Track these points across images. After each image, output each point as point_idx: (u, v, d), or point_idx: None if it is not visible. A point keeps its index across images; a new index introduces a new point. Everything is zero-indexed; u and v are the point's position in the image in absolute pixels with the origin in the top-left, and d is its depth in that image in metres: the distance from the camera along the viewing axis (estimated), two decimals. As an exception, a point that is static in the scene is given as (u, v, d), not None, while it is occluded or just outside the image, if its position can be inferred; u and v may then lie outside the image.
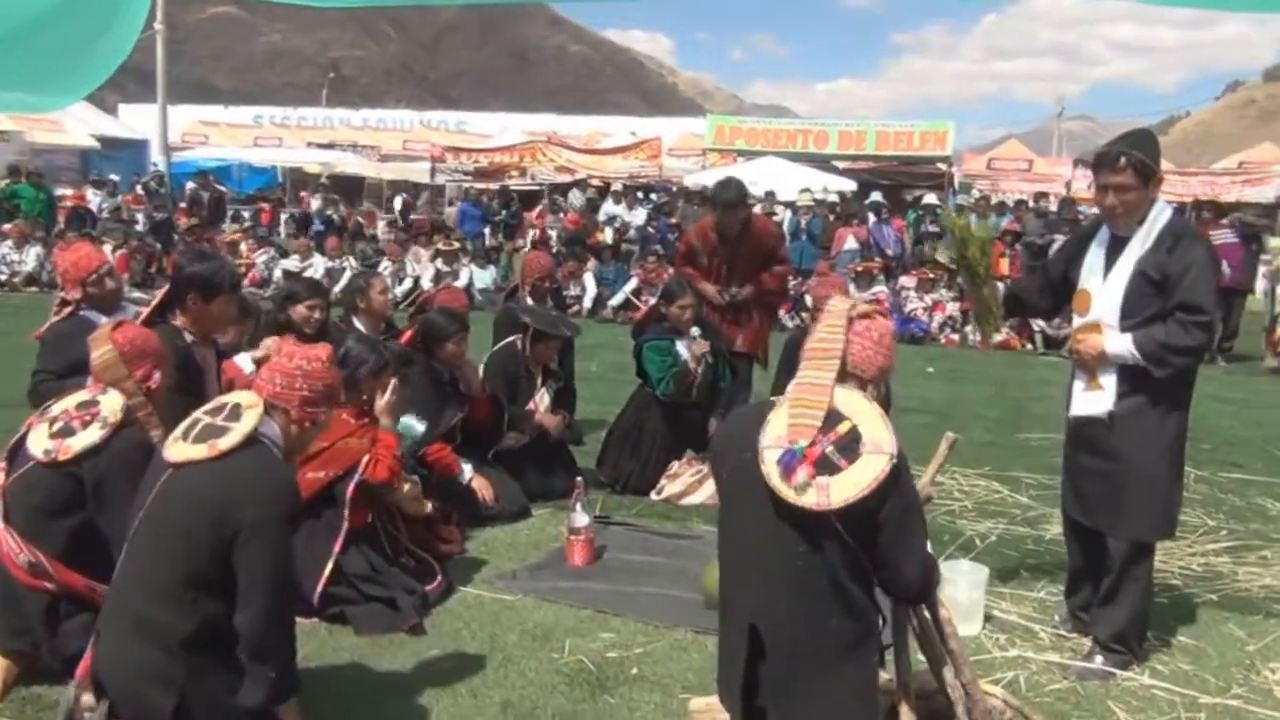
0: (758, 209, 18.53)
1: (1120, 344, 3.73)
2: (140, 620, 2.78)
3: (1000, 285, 4.21)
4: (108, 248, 15.33)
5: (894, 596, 2.81)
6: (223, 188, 23.19)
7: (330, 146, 34.12)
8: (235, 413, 2.92)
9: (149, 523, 2.84)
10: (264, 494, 2.82)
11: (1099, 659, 3.88)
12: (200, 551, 2.76)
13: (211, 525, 2.75)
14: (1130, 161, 3.68)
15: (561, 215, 20.30)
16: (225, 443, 2.84)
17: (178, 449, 2.88)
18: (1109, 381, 3.81)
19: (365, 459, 4.18)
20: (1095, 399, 3.85)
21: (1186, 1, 5.70)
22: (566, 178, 24.26)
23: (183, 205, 20.27)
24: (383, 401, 4.36)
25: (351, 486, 4.13)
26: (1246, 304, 12.89)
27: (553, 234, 18.93)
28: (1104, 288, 3.82)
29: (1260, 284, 13.74)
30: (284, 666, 2.89)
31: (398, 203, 26.38)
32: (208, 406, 3.01)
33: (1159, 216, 3.74)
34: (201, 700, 2.78)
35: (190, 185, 21.18)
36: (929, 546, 2.76)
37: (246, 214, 23.16)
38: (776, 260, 6.80)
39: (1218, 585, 4.75)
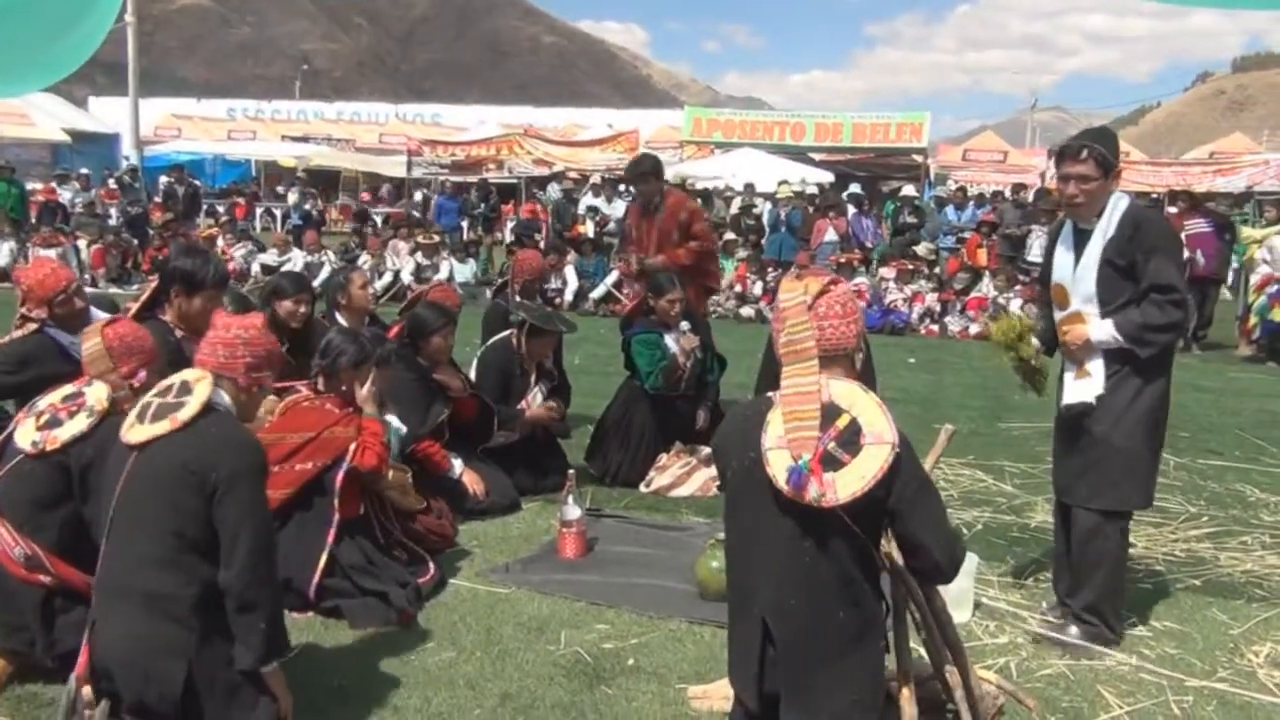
0: (738, 201, 18.73)
1: (1103, 330, 3.86)
2: (146, 596, 2.84)
3: (1035, 340, 4.22)
4: (82, 243, 15.22)
5: (925, 578, 2.84)
6: (197, 182, 22.97)
7: (305, 140, 33.92)
8: (185, 388, 3.01)
9: (125, 507, 2.91)
10: (232, 451, 2.92)
11: (1073, 630, 3.99)
12: (185, 517, 2.86)
13: (190, 489, 2.86)
14: (1092, 154, 3.83)
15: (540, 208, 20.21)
16: (184, 414, 2.93)
17: (137, 431, 2.96)
18: (1097, 368, 3.91)
19: (352, 447, 4.17)
20: (1085, 386, 3.94)
21: None
22: (544, 170, 24.20)
23: (157, 200, 20.07)
24: (364, 390, 4.35)
25: (340, 475, 4.12)
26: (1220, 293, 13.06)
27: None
28: (1075, 279, 3.95)
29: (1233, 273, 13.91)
30: (272, 620, 2.95)
31: (417, 195, 25.67)
32: (155, 390, 3.09)
33: (1117, 205, 3.86)
34: (206, 671, 2.84)
35: (165, 179, 20.95)
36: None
37: (221, 208, 22.97)
38: (691, 235, 6.99)
39: (1201, 570, 4.83)
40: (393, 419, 4.79)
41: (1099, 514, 3.97)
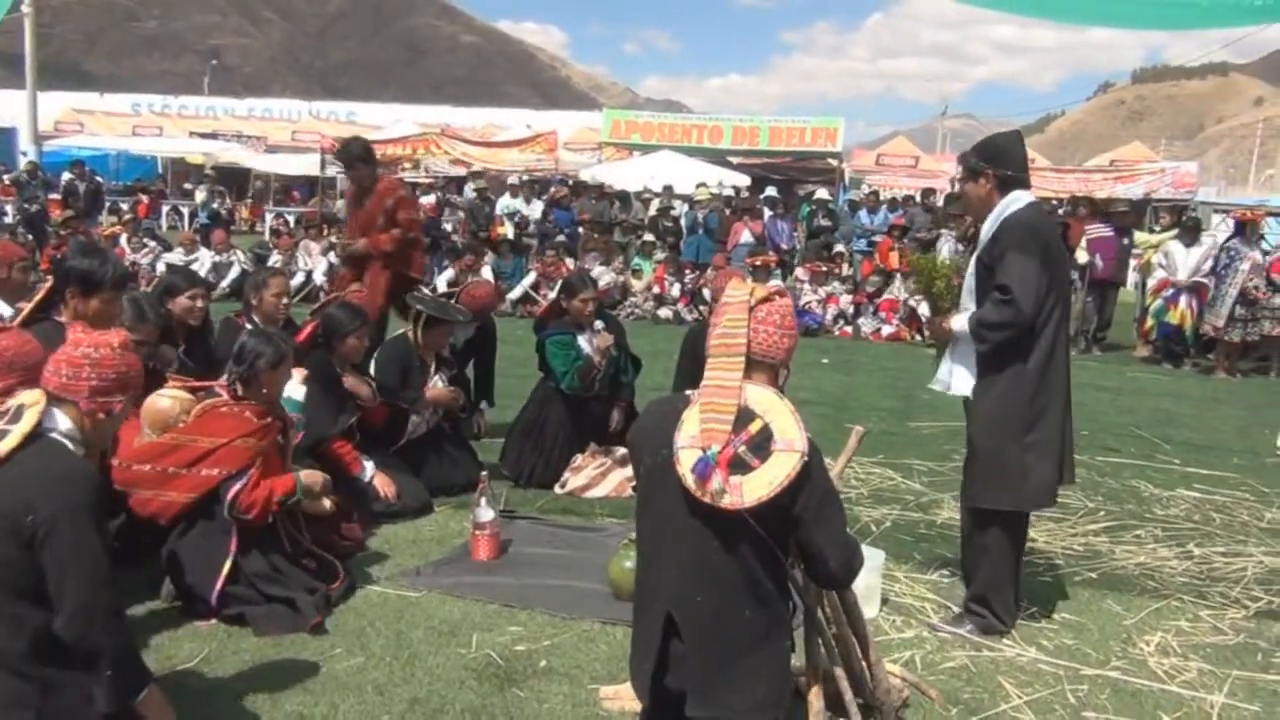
0: (656, 203, 18.77)
1: (960, 321, 4.04)
2: None
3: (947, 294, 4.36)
4: (-25, 241, 14.58)
5: (820, 584, 2.87)
6: (99, 178, 22.21)
7: (214, 136, 33.03)
8: (18, 414, 2.76)
9: None
10: (52, 488, 2.65)
11: (967, 625, 4.11)
12: (7, 565, 2.60)
13: (7, 534, 2.60)
14: (962, 158, 4.15)
15: (460, 213, 19.90)
16: (2, 448, 2.68)
17: None
18: (964, 363, 4.08)
19: (251, 473, 4.02)
20: (958, 381, 4.11)
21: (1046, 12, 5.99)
22: (461, 170, 23.95)
23: (54, 196, 19.34)
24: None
25: (233, 490, 3.98)
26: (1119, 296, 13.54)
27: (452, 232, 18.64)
28: (968, 277, 4.14)
29: (1131, 276, 14.42)
30: (120, 661, 2.74)
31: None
32: None
33: (1005, 210, 3.98)
34: (59, 717, 2.65)
35: (67, 176, 20.20)
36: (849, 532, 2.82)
37: (125, 205, 22.28)
38: (394, 222, 7.00)
39: (1097, 563, 5.01)
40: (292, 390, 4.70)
41: (972, 511, 4.12)
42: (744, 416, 2.59)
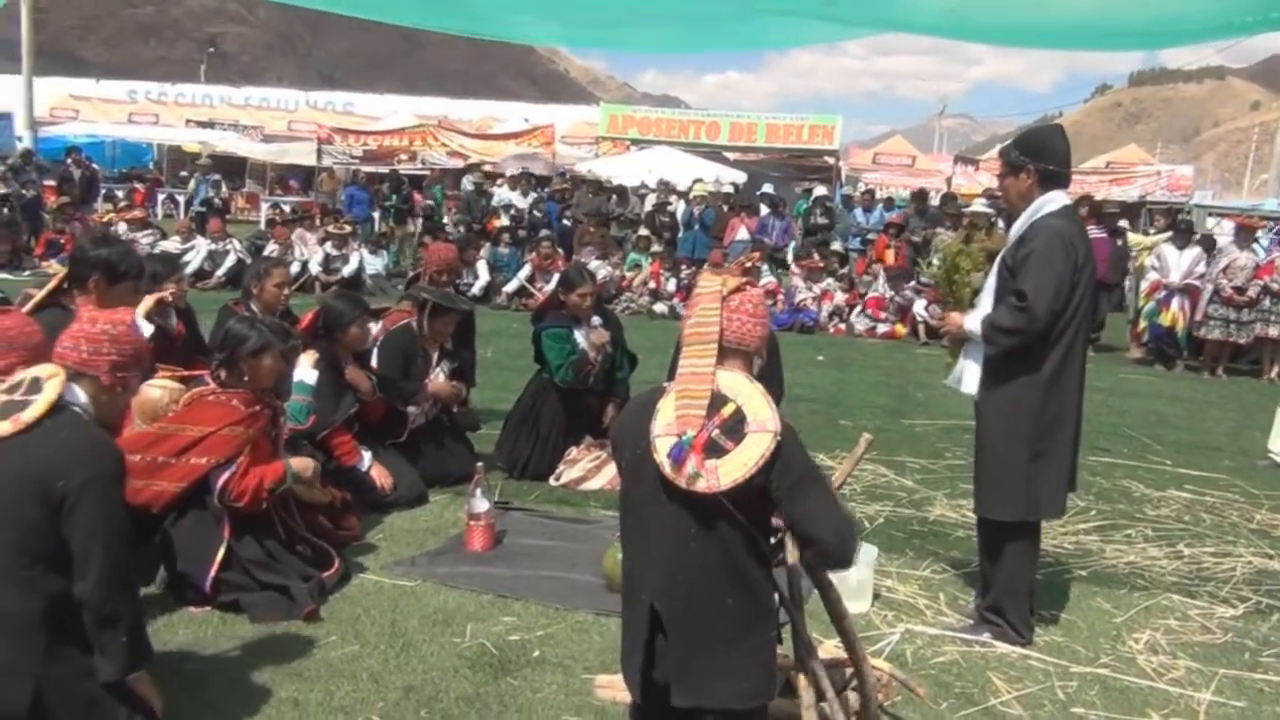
0: (652, 199, 18.76)
1: (971, 320, 4.01)
2: None
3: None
4: (-31, 226, 14.53)
5: (820, 565, 2.88)
6: (95, 165, 22.15)
7: (210, 125, 32.94)
8: (35, 385, 2.83)
9: None
10: (83, 455, 2.75)
11: (984, 634, 4.09)
12: (28, 528, 2.67)
13: (34, 498, 2.67)
14: (1001, 152, 4.09)
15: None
16: (29, 414, 2.75)
17: None
18: (975, 362, 4.04)
19: (240, 462, 4.03)
20: (968, 379, 4.07)
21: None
22: (458, 163, 23.93)
23: (49, 183, 19.26)
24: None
25: (223, 479, 3.99)
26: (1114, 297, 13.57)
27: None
28: (990, 276, 4.08)
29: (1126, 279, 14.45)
30: (133, 631, 2.82)
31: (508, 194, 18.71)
32: (5, 384, 2.89)
33: (1036, 212, 3.91)
34: (57, 688, 2.69)
35: (69, 161, 20.14)
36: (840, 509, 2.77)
37: (120, 193, 22.22)
38: None
39: (1087, 562, 5.04)
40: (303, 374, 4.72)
41: (984, 520, 4.11)
42: (716, 401, 2.62)
